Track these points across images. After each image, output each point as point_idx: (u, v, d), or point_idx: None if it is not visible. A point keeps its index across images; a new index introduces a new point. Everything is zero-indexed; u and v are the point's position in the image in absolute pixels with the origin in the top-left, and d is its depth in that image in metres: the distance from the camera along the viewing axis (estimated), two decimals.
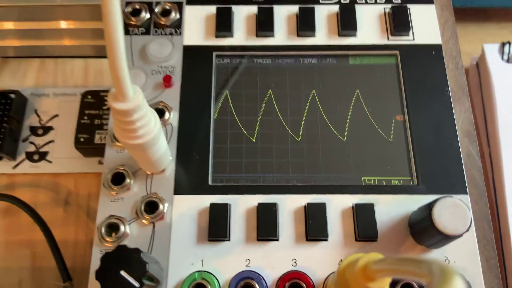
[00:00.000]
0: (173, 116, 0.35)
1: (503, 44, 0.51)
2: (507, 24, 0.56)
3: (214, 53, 0.37)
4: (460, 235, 0.27)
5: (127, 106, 0.25)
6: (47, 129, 0.46)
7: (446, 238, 0.28)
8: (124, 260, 0.26)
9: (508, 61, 0.50)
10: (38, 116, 0.46)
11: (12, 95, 0.44)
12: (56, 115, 0.46)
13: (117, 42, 0.22)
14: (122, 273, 0.25)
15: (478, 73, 0.52)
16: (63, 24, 0.47)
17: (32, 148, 0.45)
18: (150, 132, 0.28)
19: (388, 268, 0.19)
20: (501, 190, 0.44)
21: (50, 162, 0.44)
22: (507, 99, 0.48)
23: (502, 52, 0.50)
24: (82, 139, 0.43)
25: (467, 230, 0.27)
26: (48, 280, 0.40)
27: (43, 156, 0.44)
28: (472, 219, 0.29)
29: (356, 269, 0.22)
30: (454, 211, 0.28)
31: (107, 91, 0.45)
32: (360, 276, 0.21)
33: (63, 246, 0.39)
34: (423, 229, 0.29)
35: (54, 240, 0.38)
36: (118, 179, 0.33)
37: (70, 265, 0.38)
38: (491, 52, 0.51)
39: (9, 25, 0.46)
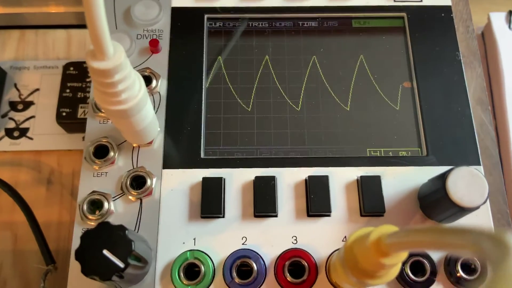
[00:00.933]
0: (161, 84, 0.32)
1: (510, 13, 0.49)
2: None
3: (206, 16, 0.34)
4: (477, 208, 0.25)
5: (107, 65, 0.22)
6: (27, 104, 0.43)
7: (461, 211, 0.25)
8: (107, 238, 0.23)
9: None
10: (18, 90, 0.44)
11: None
12: (37, 89, 0.44)
13: None
14: (105, 252, 0.23)
15: (484, 43, 0.50)
16: None
17: (12, 124, 0.42)
18: (134, 96, 0.25)
19: (410, 241, 0.16)
20: (508, 164, 0.42)
21: (31, 139, 0.42)
22: None
23: (509, 21, 0.48)
24: (64, 114, 0.40)
25: (485, 202, 0.25)
26: (30, 264, 0.38)
27: (23, 132, 0.42)
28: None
29: (367, 243, 0.19)
30: (470, 182, 0.25)
31: None
32: (373, 251, 0.19)
33: (46, 228, 0.37)
34: (435, 202, 0.27)
35: (36, 222, 0.36)
36: (101, 152, 0.30)
37: (54, 248, 0.36)
38: (498, 20, 0.48)
39: None
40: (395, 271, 0.21)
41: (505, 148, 0.43)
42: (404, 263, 0.27)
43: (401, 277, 0.27)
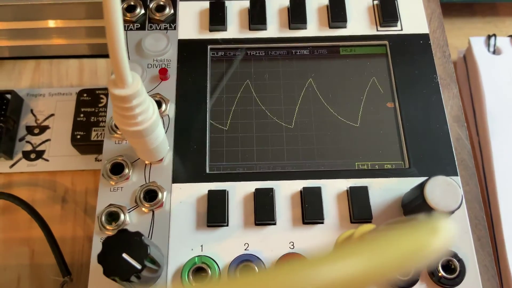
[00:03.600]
0: (169, 108, 0.36)
1: (489, 37, 0.52)
2: (492, 18, 0.58)
3: (209, 46, 0.38)
4: (452, 212, 0.28)
5: (126, 92, 0.26)
6: (43, 128, 0.46)
7: None
8: (125, 243, 0.26)
9: (494, 53, 0.51)
10: (34, 115, 0.47)
11: (8, 96, 0.45)
12: (52, 115, 0.47)
13: (116, 29, 0.23)
14: (124, 255, 0.26)
15: (466, 66, 0.53)
16: (58, 23, 0.48)
17: (28, 147, 0.45)
18: (149, 119, 0.28)
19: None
20: (491, 177, 0.45)
21: (47, 160, 0.45)
22: (494, 90, 0.49)
23: (488, 44, 0.52)
24: (78, 136, 0.43)
25: (459, 207, 0.28)
26: (47, 276, 0.40)
27: (39, 154, 0.45)
28: (463, 198, 0.30)
29: (352, 240, 0.22)
30: (445, 189, 0.28)
31: (102, 89, 0.46)
32: None
33: (61, 243, 0.39)
34: (416, 208, 0.30)
35: (52, 235, 0.38)
36: (117, 169, 0.33)
37: (68, 261, 0.39)
38: (478, 44, 0.52)
39: (3, 25, 0.47)
40: None
41: (488, 163, 0.46)
42: None
43: None
